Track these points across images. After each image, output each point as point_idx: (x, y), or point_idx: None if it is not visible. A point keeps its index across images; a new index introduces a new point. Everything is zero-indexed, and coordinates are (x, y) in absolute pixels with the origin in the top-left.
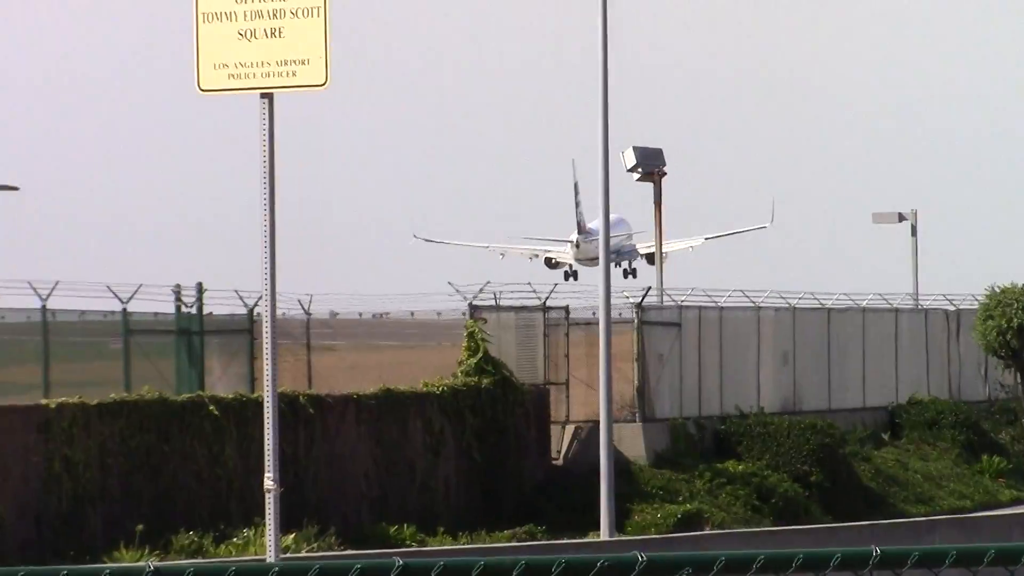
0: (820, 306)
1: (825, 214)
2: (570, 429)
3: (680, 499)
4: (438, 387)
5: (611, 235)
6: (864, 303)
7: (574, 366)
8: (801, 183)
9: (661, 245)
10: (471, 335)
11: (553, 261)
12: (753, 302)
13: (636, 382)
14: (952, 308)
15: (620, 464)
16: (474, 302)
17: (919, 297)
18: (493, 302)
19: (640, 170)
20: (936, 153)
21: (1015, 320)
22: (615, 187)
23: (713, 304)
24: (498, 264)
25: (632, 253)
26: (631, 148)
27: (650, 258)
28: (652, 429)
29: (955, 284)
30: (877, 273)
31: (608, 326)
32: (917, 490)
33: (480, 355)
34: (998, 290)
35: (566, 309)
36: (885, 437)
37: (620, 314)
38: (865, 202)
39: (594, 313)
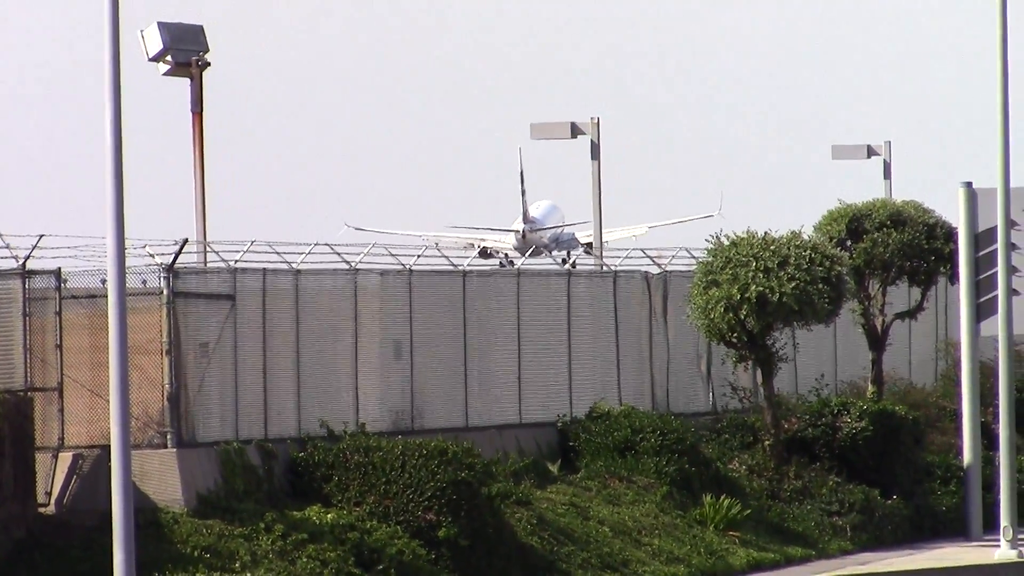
0: (452, 268)
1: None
2: (66, 459)
3: (237, 566)
4: None
5: (548, 224)
6: (520, 263)
7: (71, 363)
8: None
9: (204, 180)
10: None
11: (489, 251)
12: (349, 263)
13: (168, 387)
14: (656, 270)
15: (145, 512)
16: None
17: (604, 253)
18: None
19: (171, 59)
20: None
21: (753, 288)
22: (137, 86)
23: (286, 266)
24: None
25: (572, 242)
26: (155, 24)
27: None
28: (193, 459)
29: (661, 232)
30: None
31: (121, 299)
32: (604, 550)
33: None
34: (726, 242)
35: (57, 273)
36: (553, 469)
37: (144, 282)
38: (527, 111)
39: (103, 280)
